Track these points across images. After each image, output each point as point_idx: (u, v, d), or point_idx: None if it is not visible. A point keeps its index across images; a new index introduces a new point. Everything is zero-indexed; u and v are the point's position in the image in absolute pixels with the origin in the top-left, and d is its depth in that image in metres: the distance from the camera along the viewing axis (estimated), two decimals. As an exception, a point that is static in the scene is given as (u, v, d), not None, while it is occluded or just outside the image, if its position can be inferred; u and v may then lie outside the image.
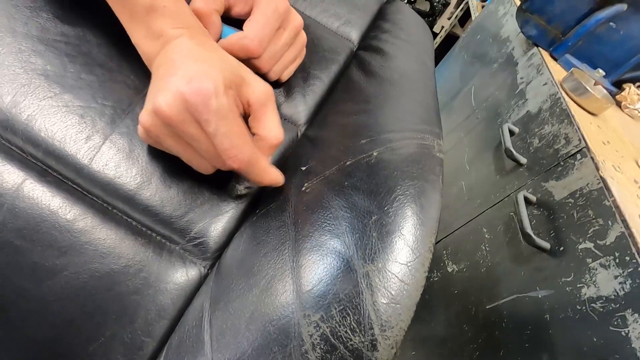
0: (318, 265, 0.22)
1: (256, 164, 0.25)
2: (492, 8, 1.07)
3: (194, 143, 0.24)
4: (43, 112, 0.26)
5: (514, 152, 0.63)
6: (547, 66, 0.72)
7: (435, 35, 2.20)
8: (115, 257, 0.24)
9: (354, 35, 0.45)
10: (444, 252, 0.73)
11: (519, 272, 0.54)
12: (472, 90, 0.96)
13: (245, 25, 0.31)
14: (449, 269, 0.69)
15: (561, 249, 0.49)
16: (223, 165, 0.25)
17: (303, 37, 0.35)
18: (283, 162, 0.32)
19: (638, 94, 0.74)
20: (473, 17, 1.88)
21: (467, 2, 2.06)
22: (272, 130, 0.26)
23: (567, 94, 0.64)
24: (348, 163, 0.27)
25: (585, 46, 0.74)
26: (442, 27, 2.17)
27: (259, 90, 0.26)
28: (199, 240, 0.26)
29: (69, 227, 0.24)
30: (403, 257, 0.22)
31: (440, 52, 1.71)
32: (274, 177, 0.27)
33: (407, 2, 1.69)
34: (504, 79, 0.83)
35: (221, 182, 0.29)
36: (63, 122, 0.26)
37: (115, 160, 0.26)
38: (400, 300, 0.21)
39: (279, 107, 0.35)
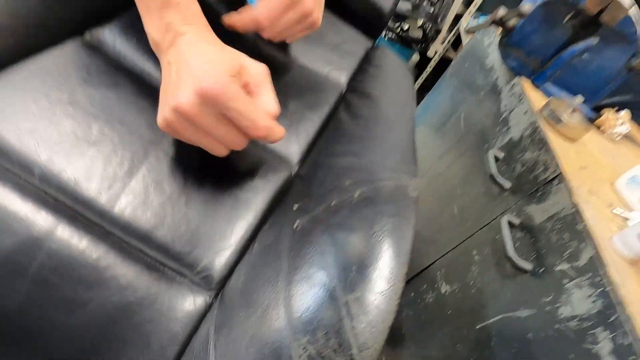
0: (306, 295, 0.26)
1: (274, 126, 0.30)
2: (479, 38, 1.13)
3: (211, 131, 0.28)
4: (72, 166, 0.30)
5: (498, 178, 0.67)
6: (527, 95, 0.76)
7: (429, 59, 2.28)
8: (133, 290, 0.28)
9: (343, 79, 0.50)
10: (438, 273, 0.76)
11: (505, 292, 0.57)
12: (462, 115, 1.01)
13: (260, 2, 0.37)
14: (443, 290, 0.72)
15: (541, 270, 0.52)
16: (240, 143, 0.30)
17: (313, 18, 0.39)
18: (279, 199, 0.37)
19: (616, 119, 0.78)
20: (464, 43, 1.96)
21: (459, 28, 2.14)
22: (268, 106, 0.31)
23: (546, 122, 0.69)
24: (334, 203, 0.31)
25: (563, 75, 0.79)
26: (436, 51, 2.25)
27: (254, 72, 0.31)
28: (205, 274, 0.30)
29: (95, 265, 0.28)
30: (379, 287, 0.26)
31: (435, 75, 1.77)
32: (283, 133, 0.31)
33: (401, 30, 1.77)
34: (489, 106, 0.88)
35: (225, 221, 0.33)
36: (89, 173, 0.30)
37: (133, 205, 0.31)
38: (376, 324, 0.25)
39: (276, 146, 0.40)
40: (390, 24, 1.76)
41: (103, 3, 0.39)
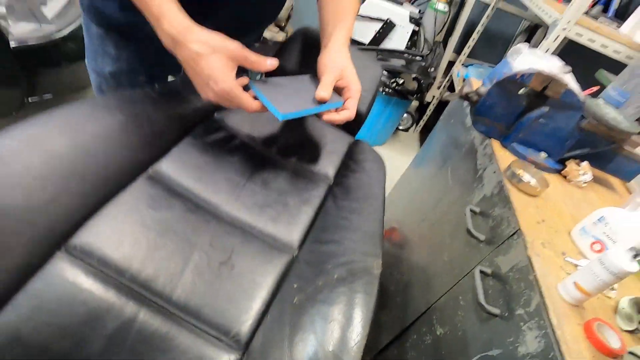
0: (302, 354, 0.39)
1: (258, 108, 0.53)
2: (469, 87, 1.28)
3: (230, 104, 0.52)
4: (146, 268, 0.46)
5: (473, 231, 0.79)
6: (495, 156, 0.90)
7: (428, 104, 2.46)
8: (190, 352, 0.43)
9: (331, 172, 0.66)
10: (434, 317, 0.87)
11: (482, 334, 0.68)
12: (449, 169, 1.14)
13: (347, 103, 0.58)
14: (438, 333, 0.83)
15: (507, 314, 0.63)
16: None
17: None
18: (284, 278, 0.51)
19: (577, 169, 0.90)
20: (456, 88, 2.13)
21: (451, 75, 2.32)
22: (255, 57, 0.51)
23: (509, 182, 0.82)
24: (320, 283, 0.46)
25: (527, 136, 0.92)
26: (433, 96, 2.43)
27: (232, 51, 0.49)
28: (236, 338, 0.44)
29: (166, 336, 0.43)
30: (349, 344, 0.39)
31: (436, 116, 1.92)
32: (252, 106, 0.52)
33: (396, 84, 1.95)
34: (469, 162, 1.01)
35: (247, 299, 0.47)
36: (156, 273, 0.46)
37: (185, 293, 0.46)
38: (346, 370, 0.38)
39: (282, 234, 0.55)
40: (385, 80, 1.95)
41: (161, 144, 0.57)
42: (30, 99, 1.16)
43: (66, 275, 0.43)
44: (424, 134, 2.55)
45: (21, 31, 1.08)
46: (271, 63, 0.52)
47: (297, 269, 0.50)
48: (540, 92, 0.84)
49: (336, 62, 0.58)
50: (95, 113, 0.51)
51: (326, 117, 0.58)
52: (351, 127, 0.74)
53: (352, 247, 0.49)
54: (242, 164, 0.61)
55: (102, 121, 0.51)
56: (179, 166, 0.57)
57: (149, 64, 0.69)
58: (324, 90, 0.56)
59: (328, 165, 0.66)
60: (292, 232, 0.55)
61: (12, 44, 1.04)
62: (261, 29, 0.80)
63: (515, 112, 0.91)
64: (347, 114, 0.58)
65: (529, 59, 0.86)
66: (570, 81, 0.84)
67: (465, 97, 0.94)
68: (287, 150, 0.66)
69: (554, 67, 0.84)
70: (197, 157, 0.59)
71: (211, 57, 0.48)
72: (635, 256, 0.51)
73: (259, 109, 0.53)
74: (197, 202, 0.54)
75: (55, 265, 0.43)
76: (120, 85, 0.70)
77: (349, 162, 0.67)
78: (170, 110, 0.60)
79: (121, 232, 0.47)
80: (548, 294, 0.58)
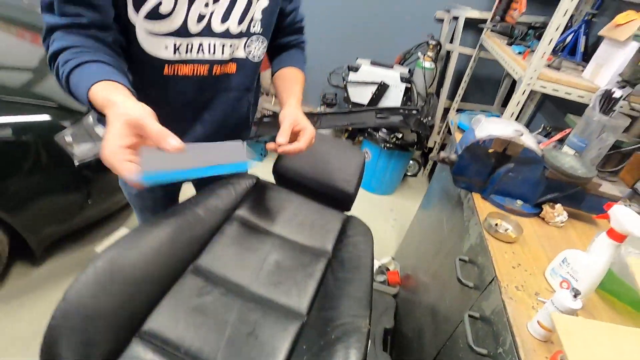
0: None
1: (132, 175, 0.49)
2: (448, 152, 1.45)
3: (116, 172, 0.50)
4: (195, 342, 0.63)
5: (462, 279, 0.91)
6: (476, 209, 1.04)
7: (430, 149, 2.62)
8: (231, 407, 0.58)
9: (329, 247, 0.82)
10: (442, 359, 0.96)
11: (477, 373, 0.78)
12: (444, 219, 1.28)
13: (301, 139, 0.71)
14: (447, 375, 0.92)
15: (492, 353, 0.74)
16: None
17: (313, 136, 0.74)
18: (296, 342, 0.66)
19: (552, 212, 1.02)
20: (453, 133, 2.29)
21: (447, 122, 2.50)
22: (160, 133, 0.49)
23: (487, 232, 0.95)
24: (322, 343, 0.60)
25: (502, 188, 1.06)
26: (435, 142, 2.60)
27: (133, 118, 0.48)
28: (263, 393, 0.59)
29: (213, 396, 0.58)
30: (344, 390, 0.53)
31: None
32: (129, 176, 0.49)
33: (396, 139, 2.15)
34: (457, 214, 1.15)
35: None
36: (202, 344, 0.62)
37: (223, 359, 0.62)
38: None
39: (293, 304, 0.71)
40: (385, 136, 2.15)
41: (199, 244, 0.76)
42: (90, 201, 1.43)
43: (141, 356, 0.60)
44: (432, 175, 2.69)
45: (82, 151, 1.37)
46: (174, 145, 0.50)
47: (305, 333, 0.65)
48: (503, 152, 1.00)
49: (290, 114, 0.73)
50: (152, 231, 0.71)
51: (281, 149, 0.69)
52: (341, 206, 0.91)
53: (346, 312, 0.64)
54: (258, 250, 0.78)
55: (157, 237, 0.71)
56: (212, 259, 0.75)
57: None
58: (281, 136, 0.69)
59: (326, 242, 0.83)
60: (301, 302, 0.71)
61: (77, 163, 1.32)
62: (249, 118, 0.98)
63: (487, 169, 1.06)
64: (297, 145, 0.69)
65: (488, 127, 1.03)
66: (526, 140, 0.99)
67: (442, 161, 1.10)
68: (293, 232, 0.84)
69: (510, 131, 1.00)
70: (225, 249, 0.77)
71: (114, 123, 0.48)
72: (575, 296, 0.63)
73: (137, 185, 0.51)
74: (228, 286, 0.72)
75: (133, 349, 0.61)
76: (143, 195, 0.95)
77: (343, 237, 0.83)
78: (203, 217, 0.80)
79: (176, 317, 0.65)
80: (518, 332, 0.69)
